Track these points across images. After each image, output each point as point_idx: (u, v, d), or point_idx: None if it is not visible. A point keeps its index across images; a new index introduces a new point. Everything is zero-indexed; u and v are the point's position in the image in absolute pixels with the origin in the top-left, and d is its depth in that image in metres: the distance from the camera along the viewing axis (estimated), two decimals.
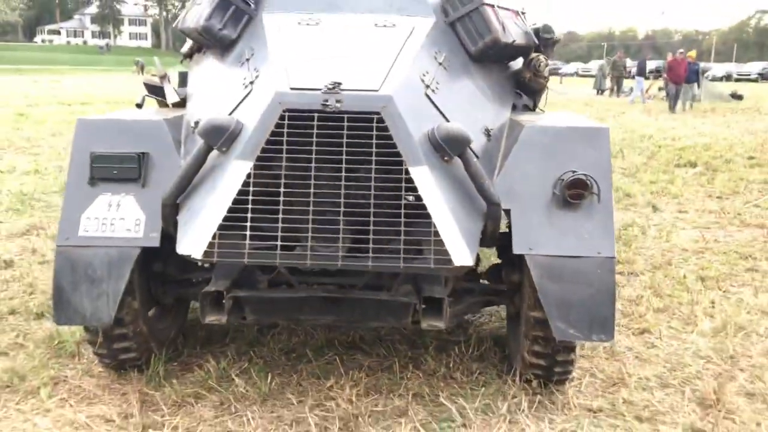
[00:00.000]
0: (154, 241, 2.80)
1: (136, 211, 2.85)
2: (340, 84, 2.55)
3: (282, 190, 2.49)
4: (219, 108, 2.90)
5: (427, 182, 2.51)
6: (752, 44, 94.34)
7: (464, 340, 3.46)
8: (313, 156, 2.50)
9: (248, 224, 2.47)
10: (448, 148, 2.59)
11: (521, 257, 2.75)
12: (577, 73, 56.47)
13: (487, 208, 2.64)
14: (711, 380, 3.12)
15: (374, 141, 2.50)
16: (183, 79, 3.93)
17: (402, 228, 2.47)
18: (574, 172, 2.76)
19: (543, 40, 3.61)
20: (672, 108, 18.84)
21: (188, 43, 3.84)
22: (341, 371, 3.13)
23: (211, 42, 3.33)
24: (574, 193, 2.75)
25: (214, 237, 2.47)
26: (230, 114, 2.79)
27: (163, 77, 3.64)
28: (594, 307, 2.71)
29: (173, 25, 3.70)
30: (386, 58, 2.82)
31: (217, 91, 3.11)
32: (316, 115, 2.51)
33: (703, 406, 2.91)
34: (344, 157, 2.50)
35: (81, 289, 2.81)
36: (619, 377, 3.16)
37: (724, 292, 4.34)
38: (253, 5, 3.30)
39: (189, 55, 3.85)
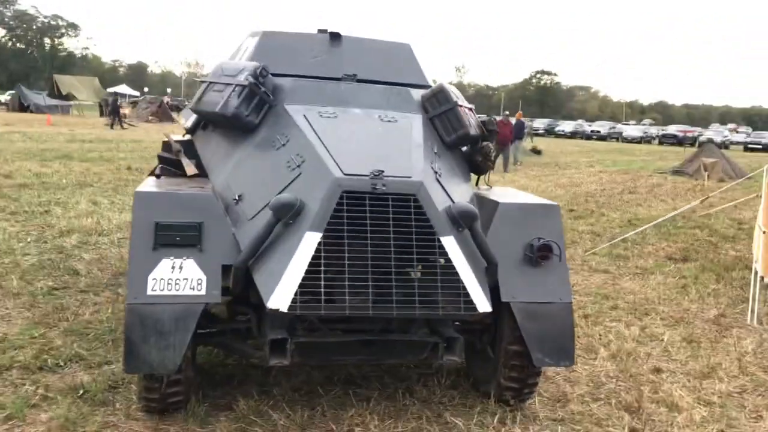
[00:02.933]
0: (216, 297, 3.33)
1: (197, 272, 3.34)
2: (382, 171, 3.29)
3: (346, 255, 3.16)
4: (266, 186, 3.49)
5: (453, 248, 3.29)
6: (534, 101, 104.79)
7: (434, 372, 4.23)
8: (368, 228, 3.20)
9: (322, 283, 3.10)
10: (462, 221, 3.39)
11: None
12: None
13: (488, 266, 3.46)
14: (628, 393, 4.14)
15: (413, 216, 3.25)
16: (188, 149, 4.36)
17: (439, 284, 3.22)
18: (540, 239, 3.67)
19: (489, 131, 4.54)
20: (505, 168, 20.39)
21: (192, 119, 4.31)
22: (353, 402, 3.77)
23: (236, 125, 3.89)
24: (542, 255, 3.66)
25: (296, 294, 3.07)
26: (281, 192, 3.40)
27: (179, 152, 4.11)
28: (560, 340, 3.62)
29: (188, 106, 4.15)
30: (406, 150, 3.60)
31: (255, 170, 3.67)
32: (367, 195, 3.22)
33: (629, 412, 3.90)
34: (391, 228, 3.22)
35: (150, 341, 3.24)
36: (561, 395, 4.09)
37: (604, 326, 5.48)
38: (272, 96, 3.92)
39: (192, 131, 4.32)
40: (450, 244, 3.29)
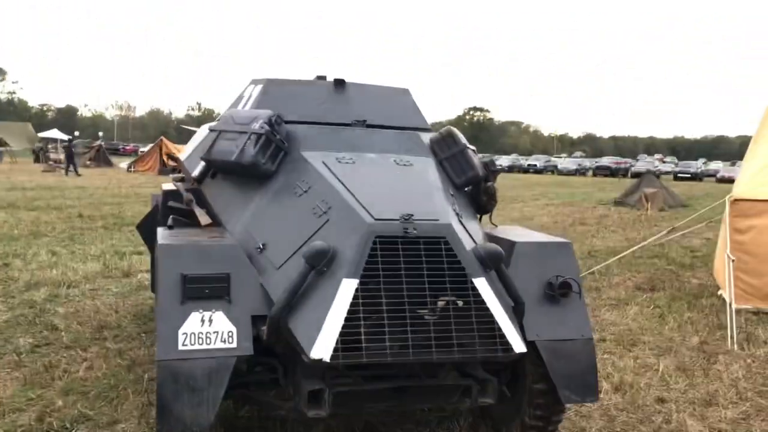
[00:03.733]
0: (248, 349, 3.26)
1: (227, 324, 3.28)
2: (412, 215, 3.31)
3: (384, 300, 3.15)
4: (293, 234, 3.47)
5: (485, 289, 3.32)
6: (468, 137, 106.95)
7: (450, 415, 4.23)
8: (402, 272, 3.20)
9: (362, 330, 3.08)
10: (490, 262, 3.43)
11: None
12: None
13: (515, 306, 3.50)
14: (642, 425, 4.22)
15: (444, 259, 3.27)
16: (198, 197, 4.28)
17: (475, 326, 3.24)
18: (558, 276, 3.74)
19: (492, 171, 4.62)
20: None
21: (200, 168, 4.25)
22: None
23: (253, 174, 3.86)
24: (562, 292, 3.72)
25: (337, 343, 3.04)
26: (309, 239, 3.39)
27: (190, 201, 4.05)
28: (585, 377, 3.66)
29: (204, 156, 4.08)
30: (428, 193, 3.64)
31: (278, 218, 3.64)
32: (399, 240, 3.24)
33: None
34: (425, 272, 3.23)
35: (183, 398, 3.15)
36: (580, 430, 4.13)
37: (599, 359, 5.57)
38: (286, 143, 3.92)
39: (200, 179, 4.26)
40: (482, 285, 3.31)
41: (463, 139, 4.23)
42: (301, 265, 3.23)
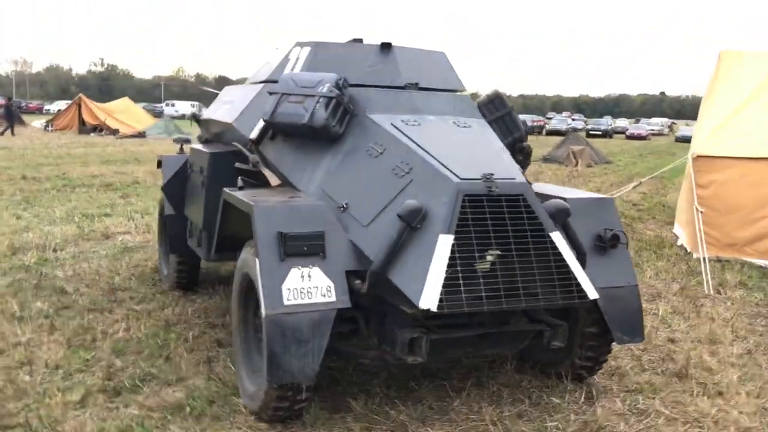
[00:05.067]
0: (346, 302, 3.45)
1: (324, 279, 3.45)
2: (492, 174, 3.54)
3: (476, 254, 3.39)
4: (377, 194, 3.63)
5: (561, 242, 3.60)
6: None
7: (496, 360, 4.54)
8: (490, 228, 3.44)
9: (461, 282, 3.31)
10: (559, 217, 3.71)
11: None
12: None
13: (578, 256, 3.80)
14: (666, 362, 4.66)
15: (524, 215, 3.53)
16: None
17: (555, 276, 3.52)
18: (607, 229, 4.07)
19: (527, 132, 4.87)
20: None
21: (257, 130, 4.32)
22: (449, 393, 4.01)
23: (322, 136, 3.98)
24: (612, 243, 4.06)
25: (441, 294, 3.26)
26: (394, 198, 3.57)
27: (257, 163, 4.13)
28: (633, 320, 4.03)
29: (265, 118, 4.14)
30: (496, 153, 3.87)
31: (357, 179, 3.78)
32: (484, 198, 3.47)
33: (679, 378, 4.40)
34: (509, 227, 3.48)
35: (290, 350, 3.32)
36: (614, 369, 4.52)
37: None
38: (352, 107, 4.05)
39: (258, 141, 4.33)
40: (557, 238, 3.59)
41: (508, 102, 4.47)
42: (395, 222, 3.42)
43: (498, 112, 4.43)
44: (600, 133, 54.74)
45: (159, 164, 6.46)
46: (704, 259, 7.12)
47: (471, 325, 3.69)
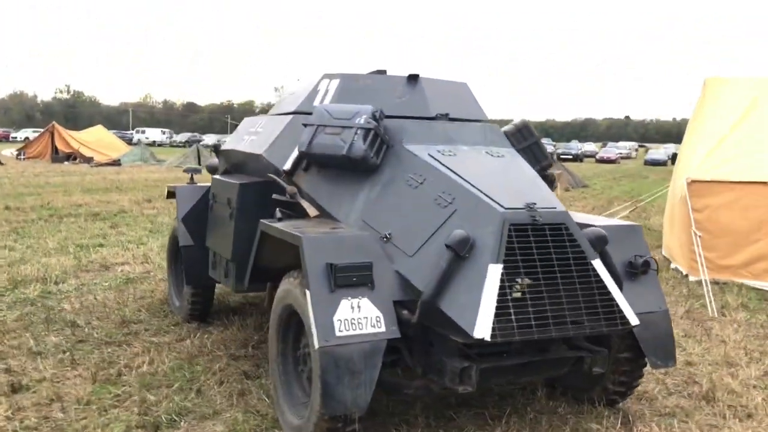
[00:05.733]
0: (395, 332, 3.47)
1: (373, 309, 3.48)
2: (535, 204, 3.61)
3: (526, 282, 3.44)
4: (421, 224, 3.67)
5: (602, 269, 3.67)
6: None
7: (526, 388, 4.58)
8: (536, 256, 3.50)
9: (512, 311, 3.35)
10: (598, 244, 3.79)
11: None
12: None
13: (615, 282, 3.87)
14: (693, 386, 4.73)
15: (567, 243, 3.60)
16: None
17: (598, 303, 3.58)
18: (637, 256, 4.15)
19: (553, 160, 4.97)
20: None
21: (291, 160, 4.35)
22: (489, 421, 4.03)
23: (360, 167, 4.01)
24: (643, 269, 4.14)
25: (493, 323, 3.29)
26: (439, 228, 3.62)
27: (295, 194, 4.14)
28: (666, 344, 4.10)
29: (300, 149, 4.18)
30: (532, 182, 3.94)
31: (399, 209, 3.82)
32: (529, 227, 3.53)
33: (707, 401, 4.47)
34: (553, 255, 3.54)
35: (344, 381, 3.33)
36: (642, 393, 4.58)
37: None
38: (388, 138, 4.10)
39: (291, 172, 4.35)
40: (599, 266, 3.66)
41: (535, 131, 4.56)
42: (442, 252, 3.46)
43: (526, 141, 4.53)
44: (571, 156, 55.51)
45: (169, 195, 6.44)
46: (706, 281, 7.27)
47: (511, 353, 3.74)
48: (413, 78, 4.73)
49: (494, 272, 3.39)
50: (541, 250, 3.51)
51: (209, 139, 61.91)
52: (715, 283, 7.98)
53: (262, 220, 4.06)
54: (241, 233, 4.62)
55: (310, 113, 4.56)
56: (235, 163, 5.32)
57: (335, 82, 4.66)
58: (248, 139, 5.02)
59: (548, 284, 3.50)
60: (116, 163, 30.11)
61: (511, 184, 3.86)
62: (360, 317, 3.44)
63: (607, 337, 4.14)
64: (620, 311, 3.61)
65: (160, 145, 59.28)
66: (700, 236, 7.89)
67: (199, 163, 30.40)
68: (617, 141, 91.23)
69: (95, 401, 4.24)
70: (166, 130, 70.94)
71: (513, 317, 3.34)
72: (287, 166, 4.37)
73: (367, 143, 3.97)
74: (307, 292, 3.43)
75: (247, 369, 4.83)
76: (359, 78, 4.70)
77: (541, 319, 3.43)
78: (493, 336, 3.27)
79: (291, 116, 4.66)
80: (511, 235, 3.47)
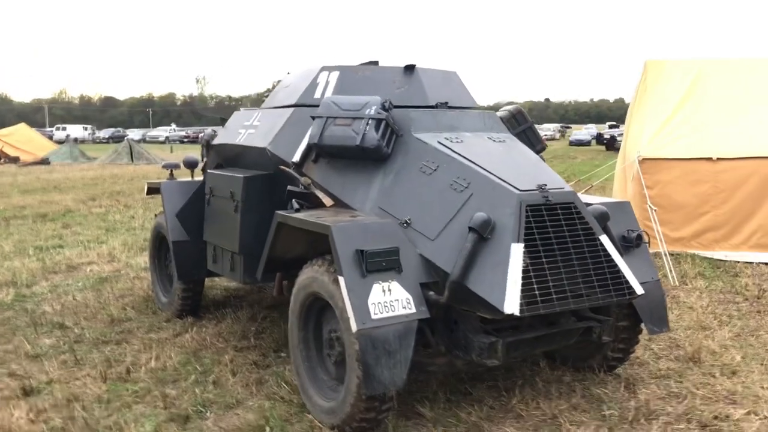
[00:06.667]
0: (425, 313, 3.65)
1: (403, 292, 3.64)
2: (546, 185, 3.84)
3: (544, 260, 3.66)
4: (439, 209, 3.84)
5: (608, 244, 3.93)
6: None
7: (523, 362, 4.83)
8: (551, 234, 3.72)
9: (535, 286, 3.57)
10: (601, 221, 4.05)
11: None
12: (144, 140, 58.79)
13: None
14: (677, 349, 5.08)
15: (576, 221, 3.84)
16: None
17: (607, 275, 3.83)
18: (630, 230, 4.45)
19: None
20: None
21: (300, 152, 4.44)
22: (503, 392, 4.26)
23: (372, 157, 4.15)
24: (637, 243, 4.43)
25: (520, 298, 3.51)
26: (458, 212, 3.80)
27: (309, 185, 4.24)
28: (660, 311, 4.41)
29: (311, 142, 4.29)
30: (536, 165, 4.17)
31: (415, 195, 3.97)
32: (543, 207, 3.76)
33: (694, 362, 4.82)
34: (566, 233, 3.78)
35: (381, 362, 3.49)
36: (634, 358, 4.90)
37: None
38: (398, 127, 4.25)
39: (301, 164, 4.44)
40: (605, 241, 3.92)
41: (528, 116, 4.79)
42: (464, 234, 3.65)
43: (520, 126, 4.75)
44: None
45: (150, 191, 6.42)
46: (665, 253, 7.71)
47: (523, 327, 3.96)
48: (410, 68, 4.88)
49: (517, 251, 3.60)
50: (555, 228, 3.74)
51: (133, 134, 60.85)
52: (670, 254, 8.45)
53: (278, 212, 4.16)
54: (247, 226, 4.69)
55: (311, 105, 4.68)
56: (230, 157, 5.36)
57: (335, 75, 4.77)
58: (245, 132, 5.07)
59: (564, 260, 3.73)
60: (45, 162, 29.10)
61: (519, 168, 4.07)
62: (392, 300, 3.60)
63: (607, 308, 4.43)
64: (627, 282, 3.87)
65: (83, 142, 57.50)
66: (655, 210, 8.34)
67: (132, 158, 29.77)
68: (540, 123, 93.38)
69: (114, 399, 4.26)
70: (88, 126, 68.72)
71: (537, 292, 3.57)
72: (296, 158, 4.46)
73: (380, 133, 4.11)
74: (341, 279, 3.56)
75: (255, 359, 4.92)
76: (358, 69, 4.82)
77: (560, 292, 3.66)
78: (521, 311, 3.48)
79: (292, 109, 4.74)
80: (528, 215, 3.68)
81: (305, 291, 3.97)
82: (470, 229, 3.63)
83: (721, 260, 8.28)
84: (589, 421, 3.92)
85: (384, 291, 3.60)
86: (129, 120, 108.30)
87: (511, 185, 3.78)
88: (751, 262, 8.23)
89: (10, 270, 7.90)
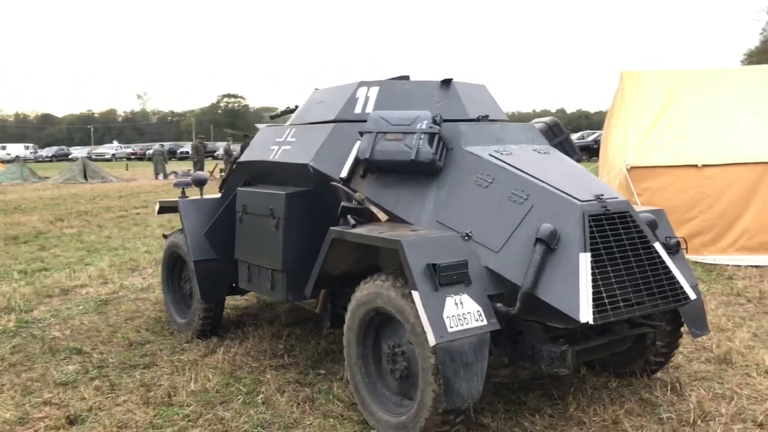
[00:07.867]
0: (496, 325, 3.68)
1: (474, 305, 3.68)
2: (602, 195, 3.93)
3: (609, 268, 3.73)
4: (500, 221, 3.89)
5: (662, 251, 4.04)
6: (225, 124, 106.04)
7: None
8: (612, 243, 3.81)
9: (604, 294, 3.64)
10: (652, 230, 4.15)
11: None
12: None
13: None
14: (711, 350, 5.22)
15: (633, 229, 3.93)
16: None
17: (665, 282, 3.93)
18: (668, 237, 4.57)
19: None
20: None
21: (347, 167, 4.42)
22: (556, 402, 4.32)
23: (425, 171, 4.17)
24: (676, 249, 4.56)
25: (592, 307, 3.57)
26: (520, 224, 3.85)
27: (363, 200, 4.23)
28: (700, 315, 4.54)
29: (359, 157, 4.29)
30: (586, 175, 4.25)
31: (473, 208, 4.00)
32: (603, 216, 3.84)
33: (727, 363, 4.96)
34: (625, 241, 3.87)
35: (460, 375, 3.50)
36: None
37: None
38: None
39: (348, 179, 4.42)
40: (659, 248, 4.03)
41: (564, 128, 4.89)
42: (531, 245, 3.70)
43: (557, 138, 4.84)
44: None
45: (162, 210, 6.30)
46: None
47: (578, 335, 4.04)
48: (446, 82, 4.92)
49: (585, 260, 3.66)
50: (615, 237, 3.82)
51: (78, 151, 59.57)
52: None
53: (332, 228, 4.14)
54: (290, 243, 4.65)
55: (352, 121, 4.68)
56: (261, 173, 5.30)
57: (374, 90, 4.78)
58: (278, 149, 5.03)
59: (625, 268, 3.82)
60: None
61: (572, 178, 4.14)
62: (464, 312, 3.62)
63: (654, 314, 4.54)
64: (681, 288, 3.98)
65: (25, 161, 55.88)
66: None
67: (85, 177, 29.07)
68: None
69: (167, 424, 4.17)
70: (30, 144, 66.90)
71: (606, 300, 3.64)
72: (344, 173, 4.45)
73: (433, 147, 4.14)
74: (415, 293, 3.56)
75: (296, 377, 4.87)
76: (397, 84, 4.84)
77: (626, 299, 3.75)
78: (595, 319, 3.55)
79: (333, 125, 4.73)
80: (591, 225, 3.76)
81: (366, 307, 3.96)
82: (538, 240, 3.68)
83: (713, 264, 8.55)
84: (649, 425, 4.01)
85: (456, 304, 3.62)
86: (69, 138, 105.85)
87: (572, 196, 3.85)
88: (739, 266, 8.53)
89: (3, 295, 7.62)
